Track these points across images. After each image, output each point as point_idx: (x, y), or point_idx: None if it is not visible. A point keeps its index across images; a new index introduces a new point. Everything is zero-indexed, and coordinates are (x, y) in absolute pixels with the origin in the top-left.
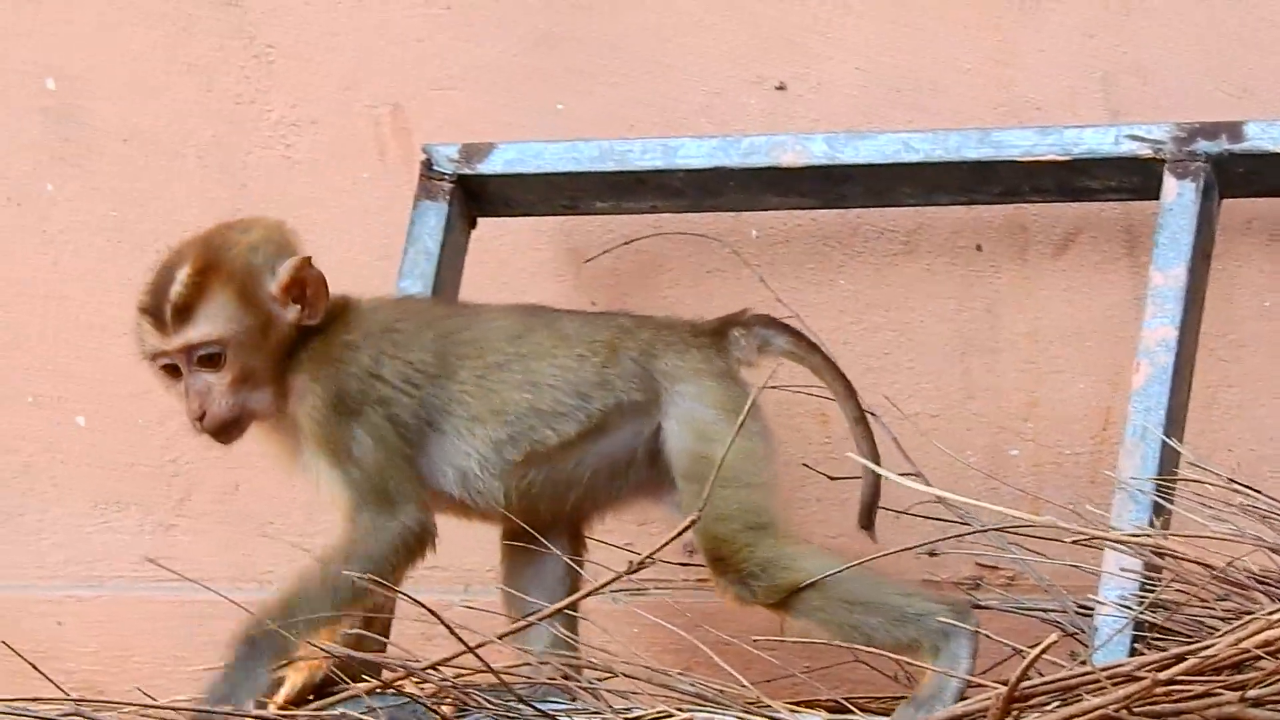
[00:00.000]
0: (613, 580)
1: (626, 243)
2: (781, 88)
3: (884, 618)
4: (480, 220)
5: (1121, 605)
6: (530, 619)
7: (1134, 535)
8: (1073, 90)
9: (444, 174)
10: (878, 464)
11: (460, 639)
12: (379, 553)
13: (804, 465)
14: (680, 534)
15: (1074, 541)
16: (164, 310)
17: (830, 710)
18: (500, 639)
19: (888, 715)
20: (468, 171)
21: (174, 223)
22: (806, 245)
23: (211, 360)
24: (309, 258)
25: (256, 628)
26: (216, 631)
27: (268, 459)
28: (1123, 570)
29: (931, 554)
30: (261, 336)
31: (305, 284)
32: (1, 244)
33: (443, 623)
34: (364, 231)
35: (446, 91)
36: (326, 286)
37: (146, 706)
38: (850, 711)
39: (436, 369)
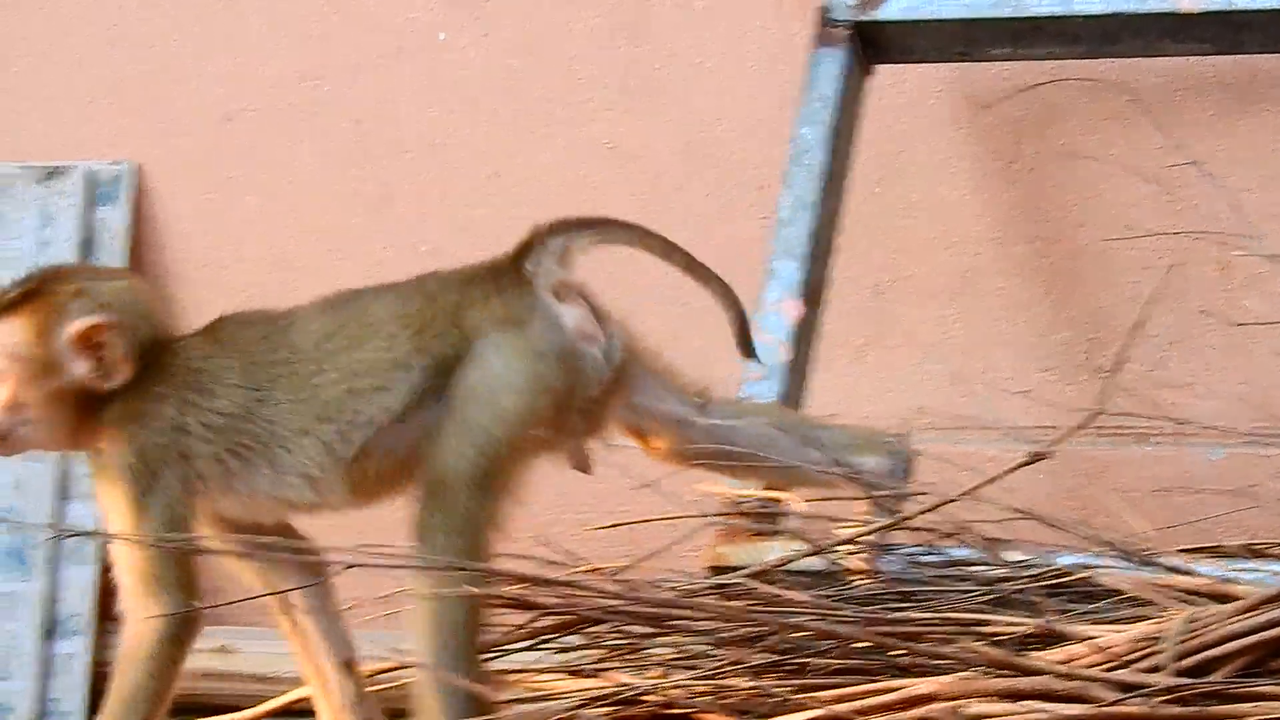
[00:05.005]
0: (1019, 466)
1: (1024, 90)
2: None
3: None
4: (877, 68)
5: None
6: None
7: None
8: None
9: (841, 21)
10: (737, 302)
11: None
12: (154, 655)
13: (1201, 311)
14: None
15: None
16: None
17: (1231, 556)
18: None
19: None
20: (865, 18)
21: (570, 75)
22: (1204, 92)
23: None
24: (112, 323)
25: None
26: (614, 479)
27: (663, 316)
28: None
29: None
30: (44, 374)
31: (102, 347)
32: (389, 94)
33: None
34: (762, 80)
35: None
36: (130, 359)
37: None
38: (1252, 557)
39: (246, 408)
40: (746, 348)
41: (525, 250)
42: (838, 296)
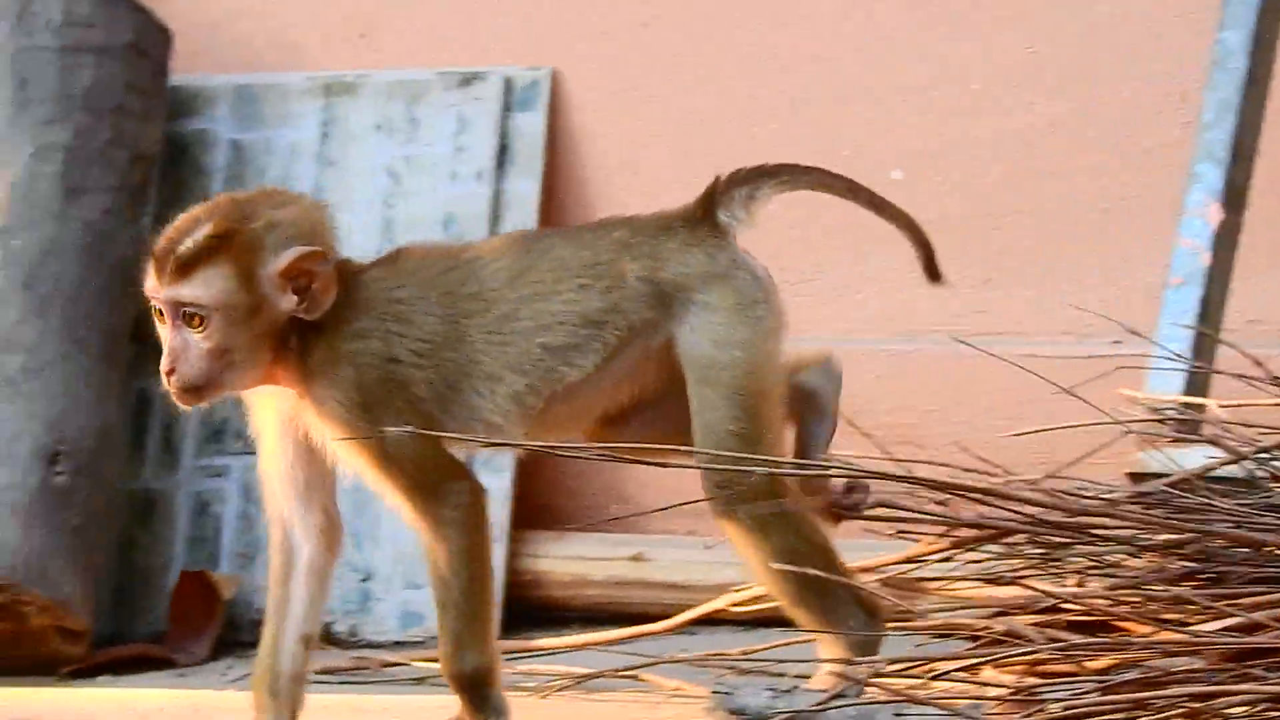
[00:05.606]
0: None
1: None
2: None
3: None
4: None
5: None
6: None
7: None
8: None
9: None
10: (921, 233)
11: None
12: (467, 544)
13: None
14: None
15: None
16: (168, 260)
17: None
18: None
19: None
20: None
21: None
22: None
23: (195, 321)
24: (320, 251)
25: (462, 672)
26: (1032, 385)
27: (1083, 222)
28: None
29: None
30: (251, 315)
31: (310, 276)
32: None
33: None
34: None
35: None
36: (335, 284)
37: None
38: None
39: (446, 335)
40: (934, 275)
41: (712, 200)
42: (1260, 201)
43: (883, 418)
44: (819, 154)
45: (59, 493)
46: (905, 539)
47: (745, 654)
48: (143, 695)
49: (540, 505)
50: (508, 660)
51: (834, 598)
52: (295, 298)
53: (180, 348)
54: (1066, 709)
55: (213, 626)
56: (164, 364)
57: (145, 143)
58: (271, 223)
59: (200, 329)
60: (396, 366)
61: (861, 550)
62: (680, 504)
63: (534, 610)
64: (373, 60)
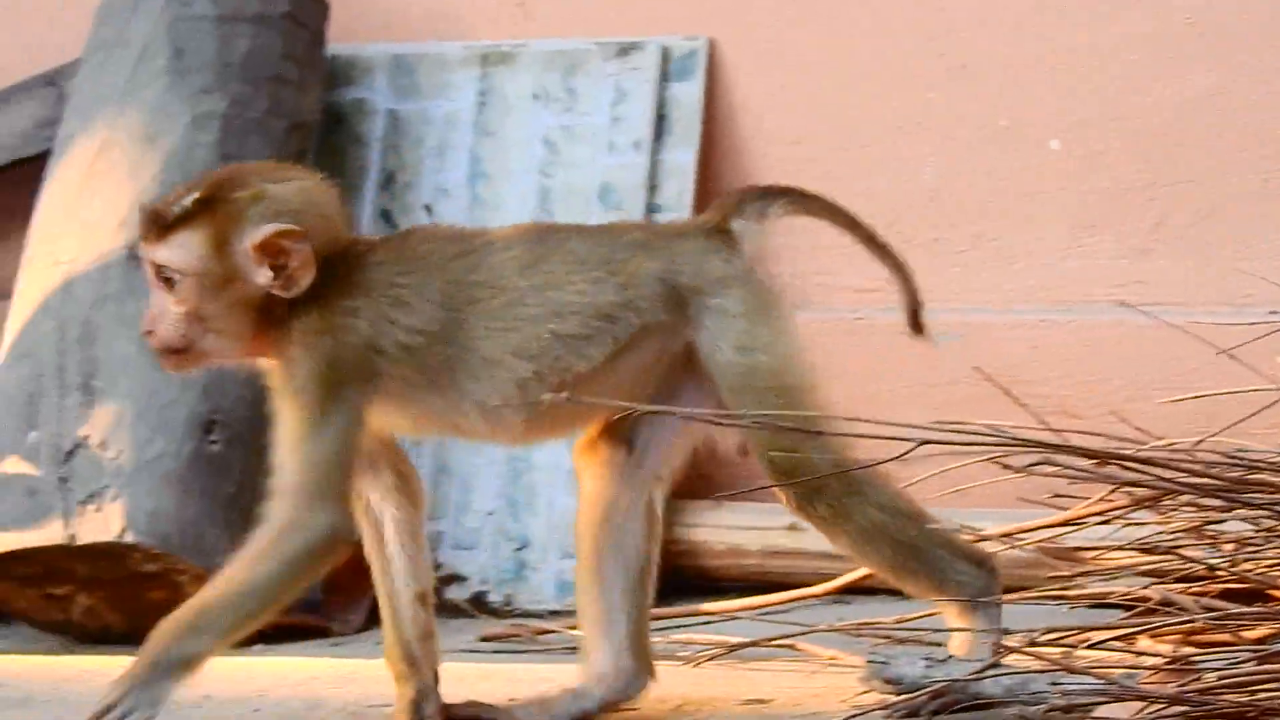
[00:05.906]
0: None
1: None
2: None
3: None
4: None
5: None
6: None
7: None
8: None
9: None
10: (908, 279)
11: None
12: (296, 554)
13: None
14: None
15: None
16: (154, 221)
17: None
18: None
19: None
20: None
21: None
22: None
23: (170, 284)
24: (298, 230)
25: (162, 645)
26: (1190, 355)
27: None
28: None
29: None
30: (223, 285)
31: (285, 254)
32: None
33: None
34: None
35: None
36: (313, 265)
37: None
38: None
39: (443, 323)
40: (916, 327)
41: (728, 213)
42: None
43: (1039, 388)
44: (977, 124)
45: (213, 461)
46: (1057, 507)
47: (899, 622)
48: (297, 664)
49: (697, 475)
50: (663, 629)
51: (938, 560)
52: (271, 273)
53: (159, 310)
54: (1222, 678)
55: (367, 595)
56: (144, 324)
57: (302, 112)
58: (259, 195)
59: (174, 293)
60: (376, 357)
61: (1016, 519)
62: (834, 473)
63: (689, 580)
64: (530, 30)
